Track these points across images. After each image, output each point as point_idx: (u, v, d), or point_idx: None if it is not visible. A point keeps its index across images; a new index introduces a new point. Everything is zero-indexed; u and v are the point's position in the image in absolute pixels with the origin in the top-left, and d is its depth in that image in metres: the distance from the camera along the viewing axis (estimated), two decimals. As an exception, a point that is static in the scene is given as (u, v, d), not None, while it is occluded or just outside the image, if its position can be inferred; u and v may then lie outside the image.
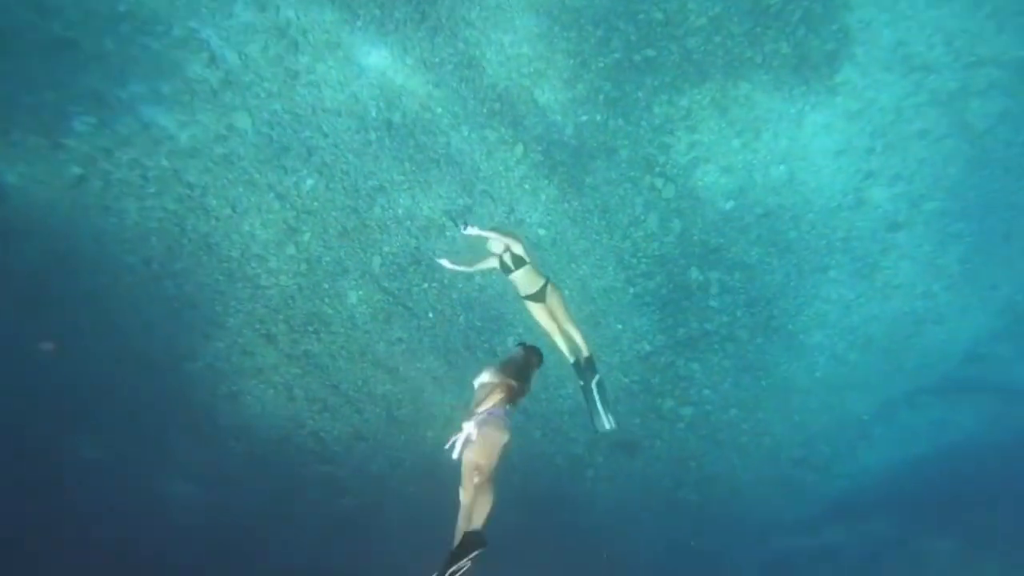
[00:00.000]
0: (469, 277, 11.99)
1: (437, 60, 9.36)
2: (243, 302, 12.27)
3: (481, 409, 4.87)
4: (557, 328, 6.95)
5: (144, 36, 8.76)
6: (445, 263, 7.20)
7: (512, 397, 5.05)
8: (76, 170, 9.89)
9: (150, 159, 9.94)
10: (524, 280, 7.26)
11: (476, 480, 4.72)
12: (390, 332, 12.74)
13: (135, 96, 9.27)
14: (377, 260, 11.73)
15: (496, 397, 4.86)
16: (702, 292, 12.66)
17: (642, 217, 11.55)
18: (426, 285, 12.12)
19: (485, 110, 10.03)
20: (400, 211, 11.17)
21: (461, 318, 12.64)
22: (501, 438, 4.80)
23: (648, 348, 12.88)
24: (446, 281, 12.16)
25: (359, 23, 8.93)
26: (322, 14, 8.82)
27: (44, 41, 8.65)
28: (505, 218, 11.39)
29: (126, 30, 8.68)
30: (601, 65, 9.82)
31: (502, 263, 7.21)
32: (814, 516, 16.94)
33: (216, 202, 10.71)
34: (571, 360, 6.89)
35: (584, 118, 10.38)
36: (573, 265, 12.10)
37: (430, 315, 12.57)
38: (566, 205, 11.32)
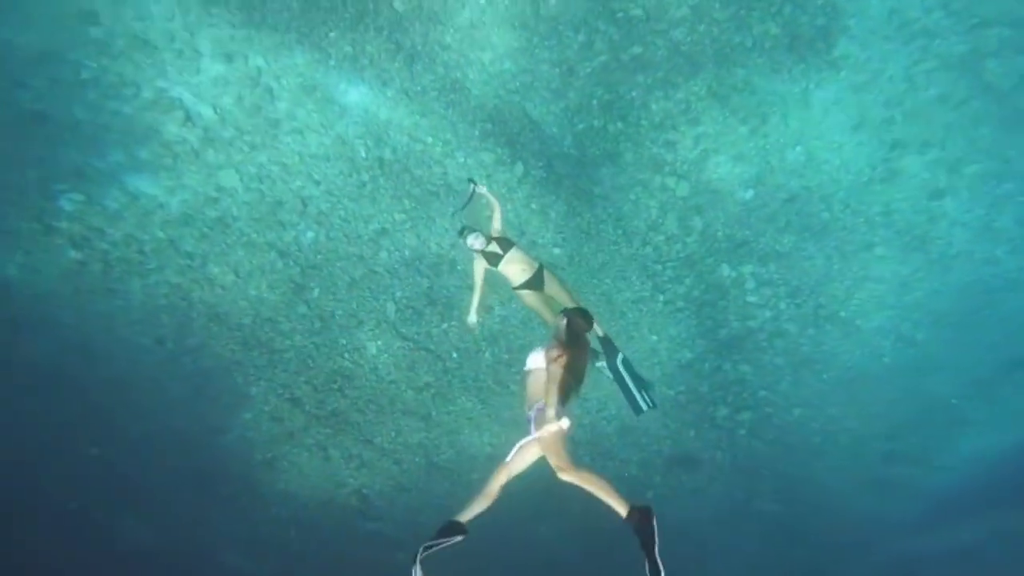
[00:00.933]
0: (488, 310, 11.03)
1: (419, 88, 8.50)
2: (263, 369, 11.51)
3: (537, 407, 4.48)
4: (554, 316, 5.96)
5: (113, 101, 8.05)
6: (471, 321, 6.70)
7: (566, 388, 4.49)
8: (73, 254, 9.28)
9: (145, 232, 9.24)
10: (516, 266, 6.24)
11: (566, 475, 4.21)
12: (416, 378, 11.81)
13: (116, 166, 8.58)
14: (391, 307, 10.86)
15: (551, 392, 4.33)
16: (737, 289, 11.47)
17: (659, 220, 10.48)
18: (445, 325, 11.19)
19: (477, 132, 9.13)
20: (407, 252, 10.29)
21: (487, 354, 11.66)
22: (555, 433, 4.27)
23: (689, 355, 11.69)
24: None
25: (332, 62, 8.12)
26: (292, 58, 8.02)
27: (16, 116, 8.04)
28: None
29: (94, 97, 7.97)
30: (589, 70, 8.85)
31: (488, 255, 6.22)
32: (927, 514, 15.00)
33: (218, 269, 9.99)
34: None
35: (581, 126, 9.41)
36: (595, 280, 11.05)
37: (454, 355, 11.62)
38: (578, 219, 10.31)
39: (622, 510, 4.03)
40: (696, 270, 11.08)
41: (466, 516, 4.26)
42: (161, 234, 9.44)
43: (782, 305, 11.90)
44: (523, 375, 5.01)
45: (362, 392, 11.99)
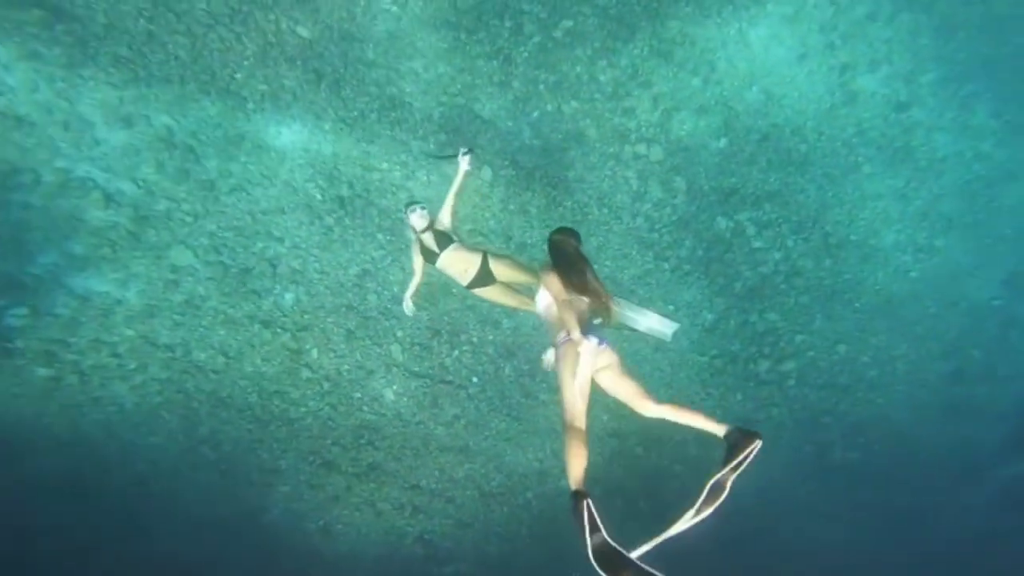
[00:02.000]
0: (496, 325, 10.20)
1: (356, 114, 7.70)
2: (285, 441, 10.67)
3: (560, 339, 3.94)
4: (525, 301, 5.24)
5: (15, 192, 7.03)
6: (406, 307, 5.79)
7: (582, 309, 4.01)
8: (43, 372, 8.46)
9: (111, 334, 8.31)
10: (457, 266, 5.25)
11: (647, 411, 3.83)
12: (442, 413, 10.90)
13: (53, 268, 7.61)
14: (396, 348, 9.99)
15: (567, 319, 3.84)
16: (739, 238, 10.49)
17: (642, 189, 9.56)
18: (456, 352, 10.29)
19: (432, 145, 8.36)
20: (395, 288, 9.45)
21: (506, 369, 10.74)
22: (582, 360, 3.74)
23: (711, 316, 10.66)
24: (475, 340, 10.38)
25: (250, 105, 7.32)
26: (203, 109, 7.19)
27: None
28: (505, 249, 9.62)
29: None
30: (525, 55, 8.03)
31: (424, 248, 5.20)
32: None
33: (204, 355, 9.18)
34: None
35: (536, 114, 8.56)
36: (596, 265, 10.13)
37: (474, 380, 10.70)
38: (560, 208, 9.41)
39: (719, 430, 3.65)
40: (692, 229, 10.13)
41: (575, 480, 3.65)
42: (130, 331, 8.61)
43: (789, 243, 10.90)
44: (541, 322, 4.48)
45: (392, 440, 11.11)
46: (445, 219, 5.55)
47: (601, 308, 4.15)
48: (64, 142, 6.95)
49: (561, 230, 4.40)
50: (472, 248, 5.47)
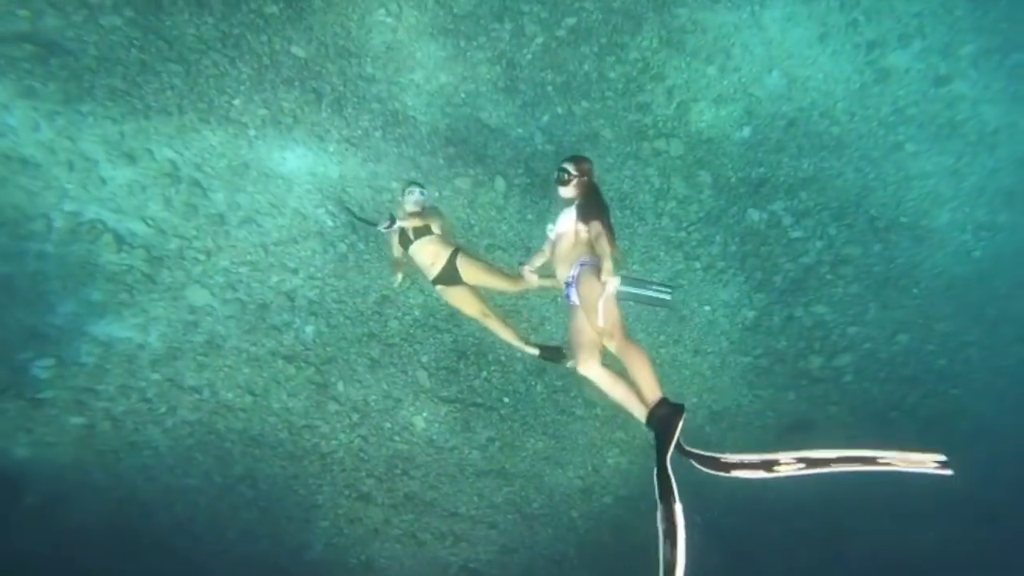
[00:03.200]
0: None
1: (360, 133, 7.22)
2: (320, 476, 10.11)
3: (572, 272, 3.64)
4: (490, 312, 4.89)
5: (28, 241, 6.73)
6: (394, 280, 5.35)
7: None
8: (76, 420, 8.12)
9: (138, 379, 7.96)
10: (425, 257, 4.82)
11: (615, 343, 3.36)
12: (475, 437, 10.20)
13: (73, 317, 7.33)
14: (423, 375, 9.38)
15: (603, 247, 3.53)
16: (775, 229, 9.59)
17: (664, 186, 8.81)
18: (485, 373, 9.62)
19: (442, 160, 7.77)
20: (416, 312, 8.88)
21: (538, 387, 10.00)
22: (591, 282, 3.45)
23: (752, 314, 9.73)
24: (503, 359, 9.68)
25: (252, 132, 6.89)
26: (204, 139, 6.79)
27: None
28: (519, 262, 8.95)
29: (4, 241, 6.74)
30: (529, 57, 7.45)
31: (402, 232, 4.81)
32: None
33: (232, 394, 8.73)
34: (531, 350, 5.07)
35: (546, 118, 7.94)
36: (623, 272, 9.36)
37: (505, 400, 9.99)
38: (579, 215, 8.77)
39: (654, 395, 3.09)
40: (722, 225, 9.29)
41: (642, 407, 3.17)
42: (156, 375, 8.23)
43: (831, 231, 9.94)
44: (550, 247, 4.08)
45: (427, 468, 10.44)
46: (441, 222, 5.13)
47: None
48: (71, 183, 6.64)
49: (578, 162, 4.03)
50: (445, 242, 5.02)
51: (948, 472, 2.93)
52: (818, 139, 9.31)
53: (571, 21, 7.20)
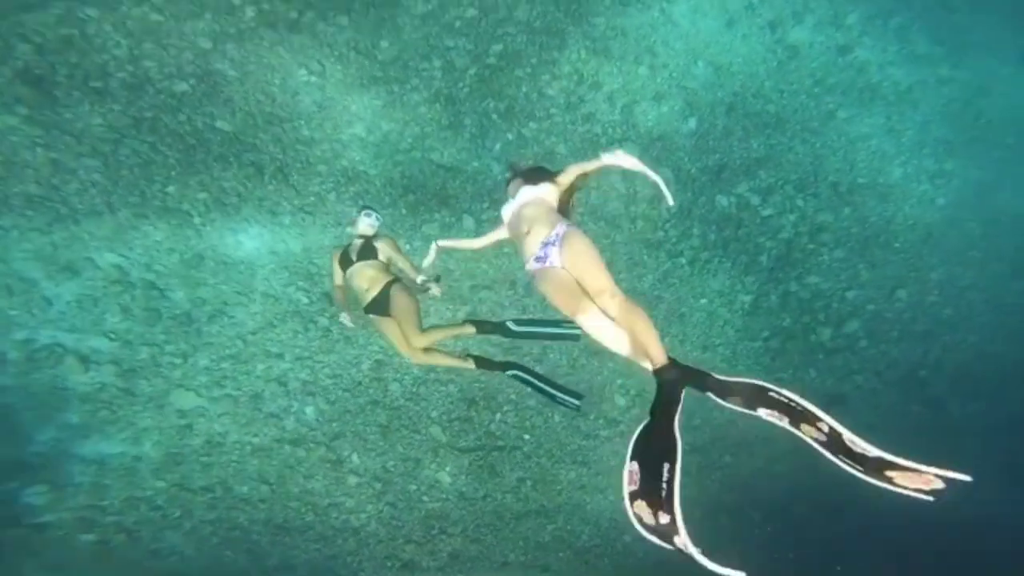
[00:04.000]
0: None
1: (312, 199, 5.62)
2: (357, 551, 7.90)
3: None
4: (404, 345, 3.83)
5: None
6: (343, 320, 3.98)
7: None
8: (87, 537, 6.15)
9: (143, 489, 6.09)
10: (362, 282, 3.95)
11: (616, 301, 2.45)
12: (504, 481, 8.08)
13: (56, 443, 5.58)
14: (436, 429, 7.42)
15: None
16: (746, 211, 7.84)
17: (631, 190, 7.13)
18: (499, 416, 7.64)
19: (404, 211, 6.17)
20: (415, 370, 7.05)
21: (555, 417, 7.99)
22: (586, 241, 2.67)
23: (748, 297, 7.82)
24: (513, 398, 7.73)
25: (197, 220, 5.28)
26: (147, 237, 5.14)
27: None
28: (513, 301, 7.15)
29: None
30: (466, 89, 5.97)
31: (344, 252, 3.95)
32: None
33: (246, 488, 6.76)
34: (470, 364, 4.24)
35: (498, 146, 6.37)
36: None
37: (526, 438, 7.95)
38: (554, 237, 7.03)
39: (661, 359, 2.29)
40: (695, 216, 7.55)
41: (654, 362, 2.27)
42: (161, 483, 6.32)
43: (799, 202, 8.18)
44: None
45: (464, 523, 8.26)
46: (393, 255, 4.01)
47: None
48: (14, 309, 4.96)
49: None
50: (385, 271, 3.94)
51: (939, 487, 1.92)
52: (758, 119, 7.74)
53: (498, 48, 5.74)
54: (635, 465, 2.12)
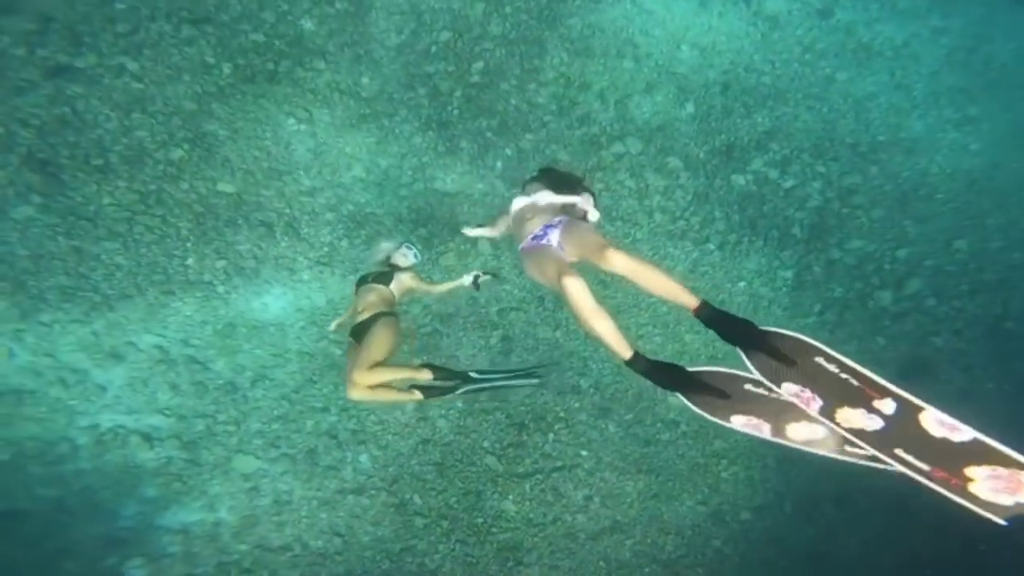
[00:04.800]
0: (576, 391, 6.02)
1: (326, 249, 4.70)
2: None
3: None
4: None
5: (60, 465, 4.30)
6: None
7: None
8: None
9: (229, 553, 5.06)
10: (364, 299, 2.60)
11: (621, 258, 1.92)
12: (572, 501, 6.41)
13: (140, 517, 4.73)
14: (491, 459, 6.01)
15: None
16: (766, 186, 6.20)
17: (642, 185, 5.74)
18: (551, 436, 6.16)
19: (419, 245, 5.04)
20: (459, 403, 5.73)
21: (610, 428, 6.34)
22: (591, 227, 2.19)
23: (789, 273, 6.05)
24: (562, 415, 6.17)
25: (221, 288, 4.43)
26: (178, 313, 4.44)
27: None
28: (544, 318, 5.74)
29: (39, 472, 4.25)
30: (456, 112, 4.98)
31: (368, 273, 2.79)
32: None
33: (320, 542, 5.60)
34: (417, 396, 2.78)
35: (499, 164, 5.26)
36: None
37: (583, 454, 6.33)
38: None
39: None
40: (714, 200, 5.99)
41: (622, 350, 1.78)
42: (243, 545, 5.27)
43: (820, 169, 6.44)
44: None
45: (539, 550, 6.58)
46: (412, 284, 3.25)
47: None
48: (73, 399, 4.27)
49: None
50: (385, 302, 2.99)
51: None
52: (756, 93, 6.28)
53: (479, 65, 4.75)
54: (788, 387, 1.43)
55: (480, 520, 6.20)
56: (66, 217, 3.87)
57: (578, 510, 6.48)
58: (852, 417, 1.43)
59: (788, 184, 6.33)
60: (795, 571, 6.54)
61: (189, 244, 4.29)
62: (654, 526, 6.83)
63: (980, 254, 6.60)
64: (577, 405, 6.10)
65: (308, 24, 4.25)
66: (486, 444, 5.87)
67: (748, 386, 1.69)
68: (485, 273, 3.17)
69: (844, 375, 1.49)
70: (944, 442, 1.35)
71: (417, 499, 5.89)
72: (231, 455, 5.18)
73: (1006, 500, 1.24)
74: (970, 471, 1.29)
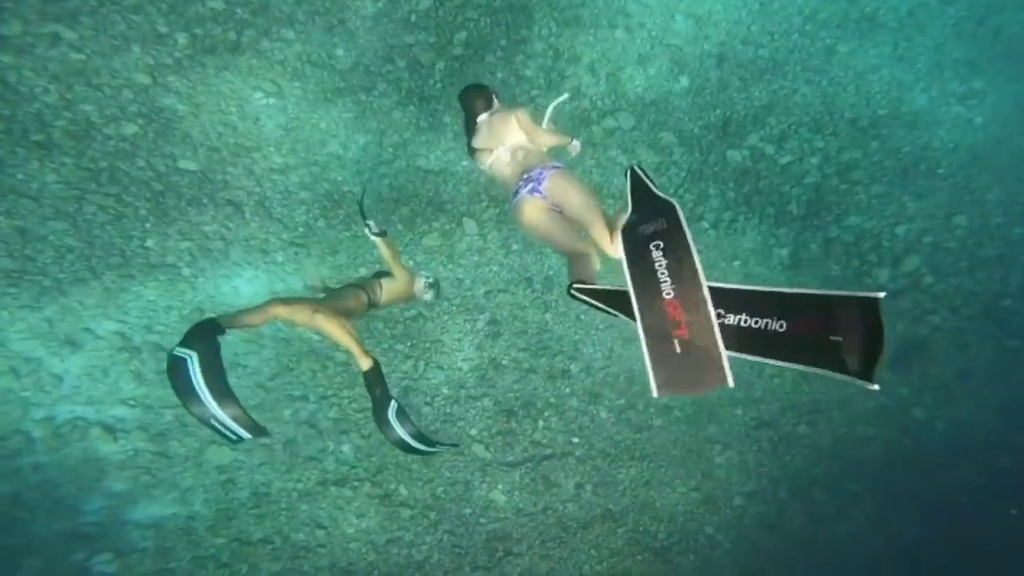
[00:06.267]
0: (565, 375, 5.79)
1: (302, 230, 4.34)
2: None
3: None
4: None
5: (15, 459, 3.97)
6: None
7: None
8: None
9: (203, 548, 4.79)
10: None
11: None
12: (563, 489, 6.18)
13: (105, 511, 4.41)
14: (479, 448, 5.75)
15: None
16: (763, 161, 5.90)
17: (634, 161, 5.41)
18: (541, 423, 5.88)
19: (399, 225, 4.73)
20: (444, 390, 5.46)
21: (602, 414, 6.10)
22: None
23: (785, 251, 5.79)
24: (552, 401, 5.93)
25: (185, 271, 4.05)
26: (139, 298, 4.03)
27: None
28: (533, 300, 5.46)
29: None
30: (439, 85, 4.61)
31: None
32: None
33: (302, 535, 5.32)
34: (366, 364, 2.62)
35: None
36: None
37: (574, 440, 6.10)
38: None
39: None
40: (708, 177, 5.68)
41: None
42: (220, 539, 5.01)
43: (819, 144, 6.14)
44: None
45: (529, 540, 6.37)
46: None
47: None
48: (26, 390, 3.89)
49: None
50: (356, 295, 2.78)
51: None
52: (753, 66, 5.89)
53: (462, 35, 4.38)
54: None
55: (468, 511, 5.97)
56: (6, 196, 3.47)
57: (569, 499, 6.27)
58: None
59: (784, 159, 6.04)
60: (786, 556, 6.40)
61: (148, 224, 3.90)
62: (646, 514, 6.63)
63: (980, 229, 6.36)
64: (567, 390, 5.85)
65: (273, -11, 3.89)
66: (473, 432, 5.62)
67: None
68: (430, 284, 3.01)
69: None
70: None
71: (403, 490, 5.64)
72: (204, 447, 4.87)
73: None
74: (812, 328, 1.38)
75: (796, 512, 6.03)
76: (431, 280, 3.04)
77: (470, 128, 2.51)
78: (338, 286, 2.85)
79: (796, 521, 6.32)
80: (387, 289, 2.87)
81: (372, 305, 2.79)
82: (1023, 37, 6.82)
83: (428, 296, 3.05)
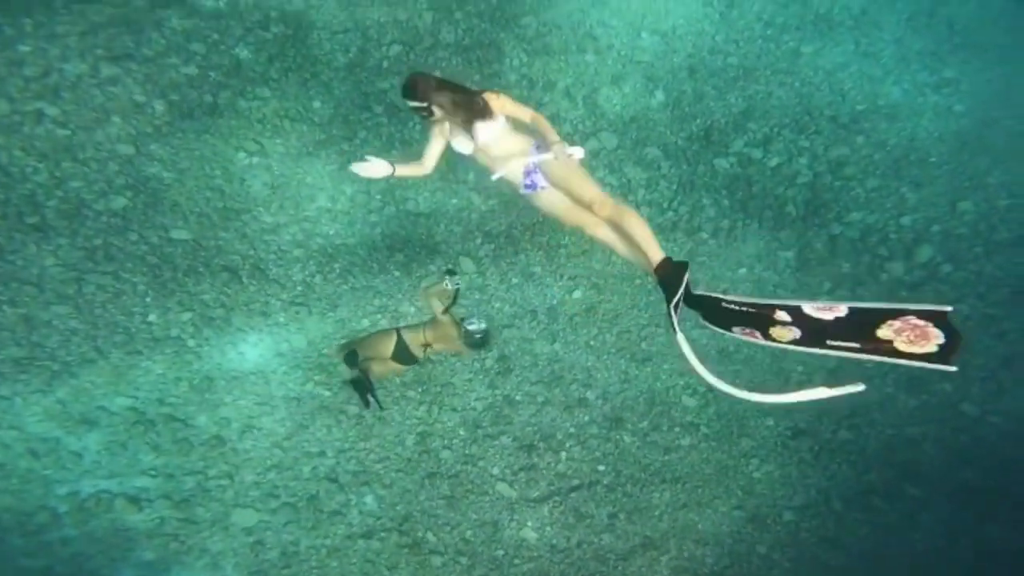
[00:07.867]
0: (583, 403, 5.32)
1: (299, 289, 4.13)
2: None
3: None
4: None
5: (43, 534, 3.73)
6: None
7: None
8: None
9: None
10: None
11: (605, 210, 2.09)
12: (596, 520, 5.56)
13: None
14: (503, 487, 5.23)
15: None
16: (752, 166, 5.55)
17: (623, 180, 5.15)
18: (563, 454, 5.37)
19: (396, 272, 4.48)
20: (461, 431, 5.06)
21: (625, 438, 5.56)
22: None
23: (790, 253, 5.33)
24: (572, 431, 5.45)
25: (191, 343, 3.86)
26: (148, 372, 3.85)
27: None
28: (540, 332, 5.08)
29: (20, 543, 3.68)
30: (418, 128, 4.45)
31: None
32: None
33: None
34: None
35: (471, 176, 4.69)
36: (638, 281, 5.32)
37: (600, 468, 5.53)
38: (561, 249, 5.05)
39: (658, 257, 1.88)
40: (700, 187, 5.35)
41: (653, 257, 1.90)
42: None
43: (804, 143, 5.77)
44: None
45: (567, 577, 5.68)
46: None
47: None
48: (47, 469, 3.70)
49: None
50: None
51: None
52: (724, 74, 5.66)
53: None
54: (736, 329, 1.60)
55: (500, 552, 5.41)
56: (8, 284, 3.37)
57: (603, 529, 5.65)
58: (781, 334, 1.54)
59: (774, 162, 5.67)
60: (857, 572, 5.53)
61: (148, 299, 3.76)
62: (689, 538, 5.91)
63: (989, 214, 5.79)
64: (586, 418, 5.36)
65: (244, 52, 3.80)
66: (495, 471, 5.14)
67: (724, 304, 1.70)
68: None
69: (745, 308, 1.60)
70: (838, 321, 1.43)
71: (431, 536, 5.14)
72: (228, 510, 4.53)
73: (928, 347, 1.30)
74: (881, 333, 1.35)
75: (856, 523, 5.29)
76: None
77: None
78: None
79: (859, 533, 5.53)
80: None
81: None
82: (977, 27, 6.44)
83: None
